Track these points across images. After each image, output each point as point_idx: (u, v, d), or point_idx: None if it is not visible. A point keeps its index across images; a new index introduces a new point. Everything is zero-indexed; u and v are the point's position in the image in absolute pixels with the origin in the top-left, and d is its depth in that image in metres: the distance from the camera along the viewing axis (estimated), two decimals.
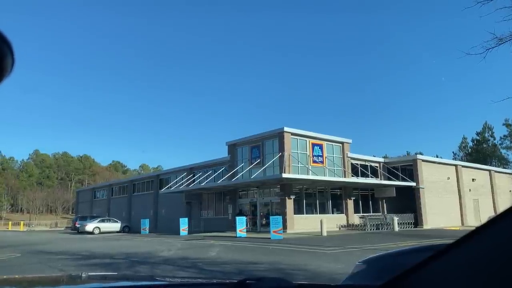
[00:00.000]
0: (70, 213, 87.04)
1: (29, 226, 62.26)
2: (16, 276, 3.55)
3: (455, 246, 1.17)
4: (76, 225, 38.91)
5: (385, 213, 32.12)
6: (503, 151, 59.87)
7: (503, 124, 55.89)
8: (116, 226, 38.45)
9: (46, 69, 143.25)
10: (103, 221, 38.56)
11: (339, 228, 29.06)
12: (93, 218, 40.26)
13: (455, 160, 52.48)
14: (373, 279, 1.70)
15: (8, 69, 0.77)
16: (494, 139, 62.34)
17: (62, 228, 57.81)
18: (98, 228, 36.68)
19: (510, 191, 40.33)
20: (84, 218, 40.67)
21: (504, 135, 57.73)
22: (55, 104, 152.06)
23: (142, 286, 1.83)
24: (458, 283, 1.15)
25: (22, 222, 59.47)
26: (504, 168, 49.58)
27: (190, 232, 29.85)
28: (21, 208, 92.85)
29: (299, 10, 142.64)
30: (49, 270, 10.98)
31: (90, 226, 36.44)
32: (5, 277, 2.36)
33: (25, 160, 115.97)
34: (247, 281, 1.51)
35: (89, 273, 2.07)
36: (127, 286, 1.81)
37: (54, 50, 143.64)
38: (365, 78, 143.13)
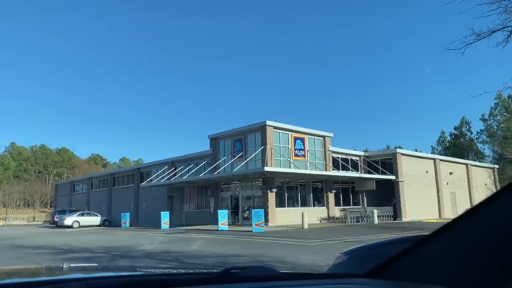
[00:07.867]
0: (49, 207, 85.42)
1: (5, 220, 60.95)
2: None
3: (434, 236, 1.26)
4: (55, 219, 38.32)
5: (365, 206, 32.63)
6: (479, 145, 61.26)
7: (480, 119, 57.10)
8: (96, 220, 38.00)
9: (22, 58, 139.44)
10: (82, 215, 38.06)
11: (320, 221, 29.38)
12: (72, 212, 39.67)
13: (434, 154, 53.56)
14: (354, 269, 1.74)
15: None
16: (471, 133, 63.76)
17: (41, 222, 56.80)
18: (78, 222, 36.19)
19: (485, 184, 41.38)
20: (63, 212, 40.03)
21: (481, 130, 59.02)
22: (31, 96, 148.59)
23: (123, 276, 1.81)
24: (437, 270, 1.23)
25: None
26: (480, 162, 50.80)
27: (171, 225, 29.72)
28: None
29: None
30: (27, 265, 10.79)
31: (69, 220, 35.93)
32: None
33: (1, 153, 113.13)
34: (232, 270, 1.52)
35: (70, 264, 2.05)
36: (108, 277, 1.78)
37: (31, 40, 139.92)
38: (347, 72, 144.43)
